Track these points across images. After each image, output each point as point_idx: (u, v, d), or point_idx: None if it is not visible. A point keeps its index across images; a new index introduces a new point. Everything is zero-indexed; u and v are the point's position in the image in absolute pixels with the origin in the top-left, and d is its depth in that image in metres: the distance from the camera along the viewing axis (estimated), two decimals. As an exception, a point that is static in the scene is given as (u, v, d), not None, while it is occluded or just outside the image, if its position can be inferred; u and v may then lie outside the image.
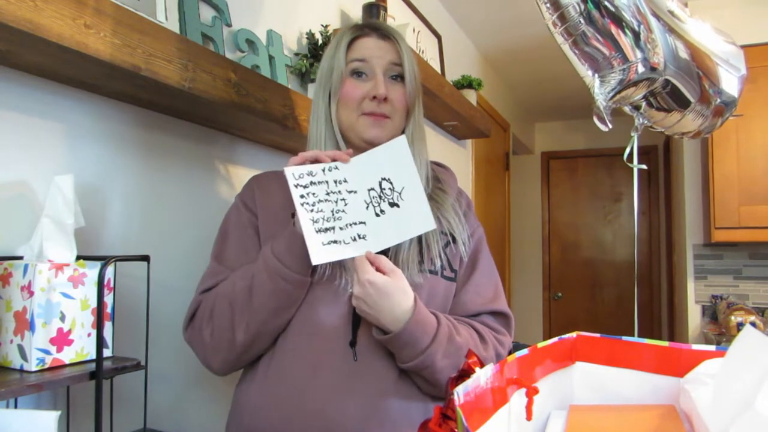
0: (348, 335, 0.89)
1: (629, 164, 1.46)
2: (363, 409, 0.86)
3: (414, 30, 2.24)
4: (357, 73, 0.97)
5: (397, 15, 2.06)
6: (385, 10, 1.76)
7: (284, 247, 0.88)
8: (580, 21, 1.07)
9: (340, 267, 0.91)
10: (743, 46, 1.51)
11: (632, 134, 1.43)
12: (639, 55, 1.12)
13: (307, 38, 1.52)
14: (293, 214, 0.96)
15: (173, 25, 1.14)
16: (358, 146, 0.98)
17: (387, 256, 0.89)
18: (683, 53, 1.25)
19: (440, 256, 0.95)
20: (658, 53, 1.15)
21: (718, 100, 1.35)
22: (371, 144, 0.96)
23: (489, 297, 0.99)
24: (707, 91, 1.32)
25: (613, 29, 1.09)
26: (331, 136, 0.98)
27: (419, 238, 0.94)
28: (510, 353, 0.55)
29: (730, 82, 1.36)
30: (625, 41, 1.10)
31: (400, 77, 0.99)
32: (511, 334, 1.00)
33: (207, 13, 1.24)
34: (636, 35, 1.11)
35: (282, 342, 0.91)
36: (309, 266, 0.88)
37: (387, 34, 0.99)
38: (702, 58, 1.30)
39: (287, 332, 0.91)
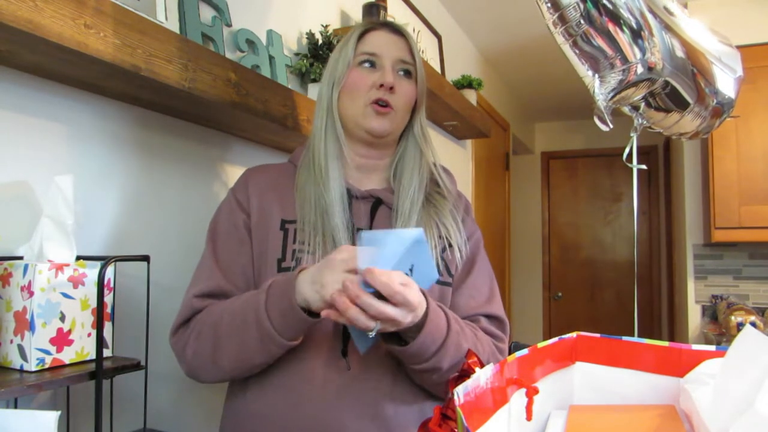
0: (339, 344, 0.89)
1: (629, 164, 1.46)
2: (360, 417, 0.86)
3: (414, 30, 2.24)
4: (365, 63, 0.97)
5: (397, 15, 2.06)
6: (385, 9, 1.76)
7: (279, 312, 0.82)
8: (580, 21, 1.07)
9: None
10: (743, 46, 1.51)
11: (631, 135, 1.43)
12: (638, 55, 1.12)
13: (307, 38, 1.52)
14: (284, 222, 0.94)
15: (173, 25, 1.14)
16: (360, 138, 0.98)
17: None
18: (679, 51, 1.25)
19: (437, 263, 0.95)
20: (656, 52, 1.15)
21: (715, 101, 1.35)
22: (373, 135, 0.96)
23: (483, 300, 0.98)
24: (704, 91, 1.32)
25: (611, 27, 1.09)
26: (332, 126, 0.98)
27: None
28: (510, 353, 0.55)
29: (726, 83, 1.36)
30: (623, 38, 1.10)
31: (407, 74, 0.99)
32: (507, 340, 0.99)
33: (207, 13, 1.24)
34: (633, 32, 1.11)
35: None
36: (302, 332, 0.84)
37: (398, 30, 1.00)
38: (697, 56, 1.30)
39: None
